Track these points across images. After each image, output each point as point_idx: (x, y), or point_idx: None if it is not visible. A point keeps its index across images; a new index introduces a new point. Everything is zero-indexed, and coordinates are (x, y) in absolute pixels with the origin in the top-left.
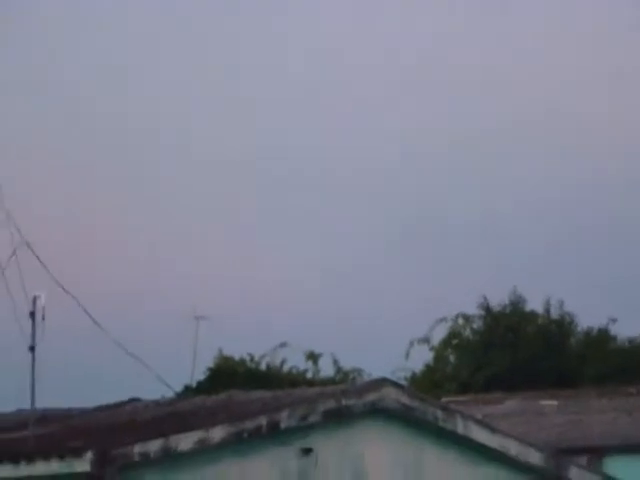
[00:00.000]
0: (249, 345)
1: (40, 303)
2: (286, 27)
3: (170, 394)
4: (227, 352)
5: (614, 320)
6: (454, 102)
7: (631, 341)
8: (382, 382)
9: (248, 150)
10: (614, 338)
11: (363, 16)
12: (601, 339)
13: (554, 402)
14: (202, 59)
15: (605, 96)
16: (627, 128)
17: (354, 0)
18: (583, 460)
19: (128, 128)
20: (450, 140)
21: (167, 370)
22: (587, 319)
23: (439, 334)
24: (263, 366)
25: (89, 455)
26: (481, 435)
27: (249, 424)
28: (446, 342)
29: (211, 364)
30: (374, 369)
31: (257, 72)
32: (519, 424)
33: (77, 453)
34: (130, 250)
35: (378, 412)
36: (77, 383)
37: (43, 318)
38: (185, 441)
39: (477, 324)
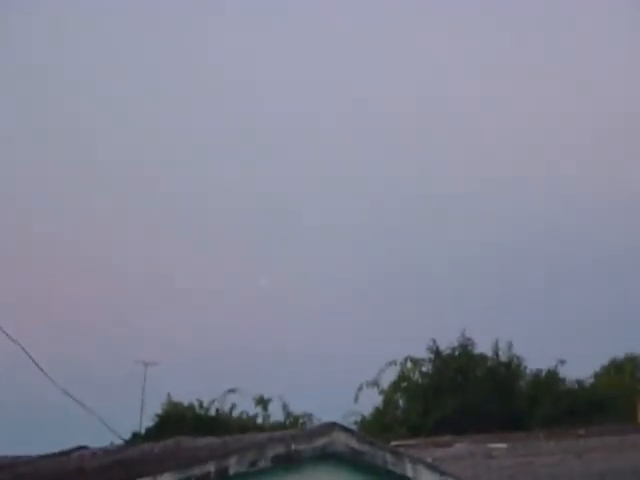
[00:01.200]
0: (198, 391)
1: None
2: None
3: (118, 441)
4: (176, 398)
5: (562, 362)
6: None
7: (579, 383)
8: (331, 426)
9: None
10: (563, 380)
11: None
12: (550, 381)
13: (503, 445)
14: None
15: None
16: None
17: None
18: None
19: None
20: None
21: (115, 417)
22: (535, 361)
23: (388, 377)
24: (212, 412)
25: None
26: (430, 478)
27: (197, 470)
28: (395, 385)
29: (160, 410)
30: (324, 413)
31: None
32: (468, 467)
33: None
34: (80, 294)
35: (328, 457)
36: (24, 431)
37: None
38: None
39: (426, 367)
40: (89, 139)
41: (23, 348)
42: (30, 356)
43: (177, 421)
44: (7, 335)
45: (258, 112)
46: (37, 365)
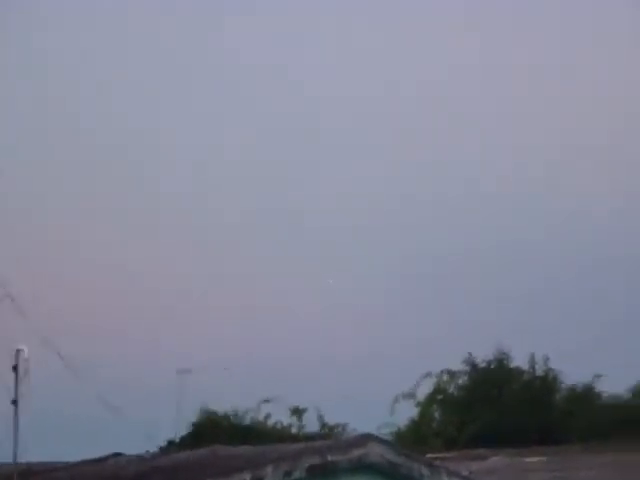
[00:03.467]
0: (233, 400)
1: (23, 356)
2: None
3: (154, 449)
4: (211, 406)
5: (599, 376)
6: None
7: (616, 397)
8: (367, 438)
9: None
10: (599, 395)
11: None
12: (586, 395)
13: (540, 458)
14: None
15: None
16: None
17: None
18: None
19: None
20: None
21: (151, 425)
22: (572, 376)
23: (424, 390)
24: (247, 421)
25: None
26: None
27: (233, 479)
28: (431, 398)
29: (195, 419)
30: (359, 424)
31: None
32: None
33: None
34: (114, 301)
35: (363, 468)
36: (60, 437)
37: (26, 372)
38: None
39: (462, 380)
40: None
41: (59, 354)
42: (67, 363)
43: (212, 430)
44: (44, 341)
45: None
46: (74, 371)
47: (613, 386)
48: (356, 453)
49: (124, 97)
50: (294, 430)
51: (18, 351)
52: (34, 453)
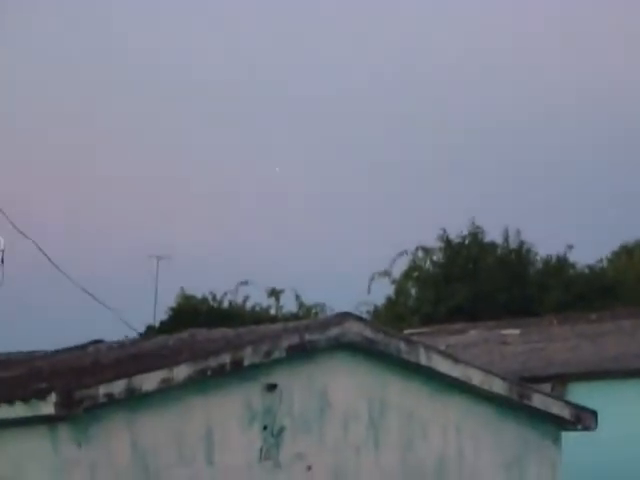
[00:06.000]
0: (211, 283)
1: None
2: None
3: (133, 335)
4: (189, 291)
5: (570, 247)
6: None
7: (590, 268)
8: (345, 316)
9: None
10: (573, 266)
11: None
12: (560, 267)
13: (516, 331)
14: None
15: None
16: None
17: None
18: (547, 388)
19: None
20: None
21: (130, 311)
22: (546, 248)
23: (400, 267)
24: (225, 304)
25: (53, 397)
26: (444, 366)
27: (212, 362)
28: (407, 275)
29: (173, 303)
30: (336, 304)
31: None
32: (482, 354)
33: (41, 396)
34: (88, 190)
35: (341, 346)
36: (38, 326)
37: (2, 261)
38: (149, 381)
39: (437, 256)
40: None
41: (37, 245)
42: (44, 252)
43: (191, 314)
44: (22, 233)
45: None
46: (50, 260)
47: (587, 257)
48: (334, 331)
49: None
50: (272, 312)
51: None
52: (13, 342)
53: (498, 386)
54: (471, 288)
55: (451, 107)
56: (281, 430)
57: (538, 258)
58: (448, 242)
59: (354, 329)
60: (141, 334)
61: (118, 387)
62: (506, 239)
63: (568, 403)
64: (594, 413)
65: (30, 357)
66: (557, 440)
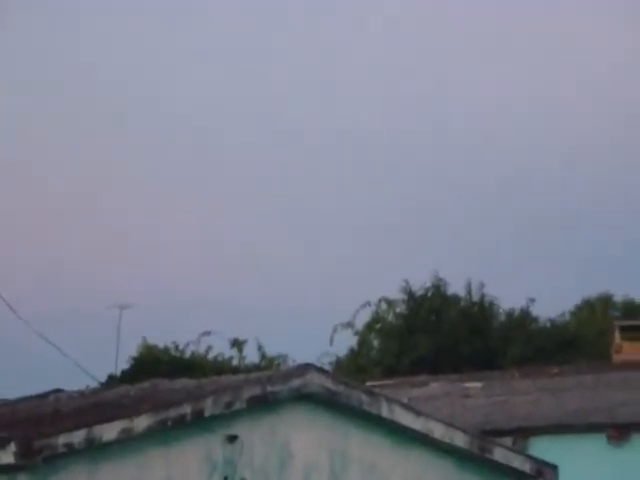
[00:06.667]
0: (173, 334)
1: None
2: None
3: (94, 384)
4: (151, 341)
5: (533, 300)
6: None
7: (552, 321)
8: (307, 368)
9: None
10: (535, 319)
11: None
12: (523, 320)
13: (479, 384)
14: None
15: None
16: None
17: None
18: (508, 441)
19: None
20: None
21: (91, 359)
22: (509, 301)
23: (363, 319)
24: (188, 354)
25: (12, 447)
26: (406, 418)
27: (173, 412)
28: (370, 326)
29: (135, 353)
30: (299, 355)
31: None
32: (444, 406)
33: (0, 445)
34: (51, 236)
35: (303, 398)
36: None
37: None
38: (109, 431)
39: (400, 308)
40: None
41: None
42: (4, 299)
43: (153, 364)
44: None
45: None
46: (11, 308)
47: (549, 311)
48: (296, 383)
49: None
50: (235, 362)
51: None
52: None
53: (459, 439)
54: (434, 340)
55: (417, 160)
56: None
57: (501, 311)
58: (411, 294)
59: (316, 381)
60: (102, 383)
61: (78, 437)
62: (469, 292)
63: (529, 457)
64: (555, 467)
65: None
66: None
